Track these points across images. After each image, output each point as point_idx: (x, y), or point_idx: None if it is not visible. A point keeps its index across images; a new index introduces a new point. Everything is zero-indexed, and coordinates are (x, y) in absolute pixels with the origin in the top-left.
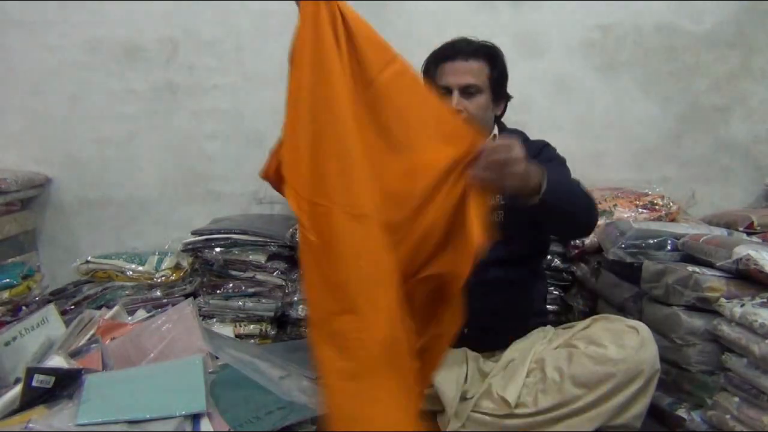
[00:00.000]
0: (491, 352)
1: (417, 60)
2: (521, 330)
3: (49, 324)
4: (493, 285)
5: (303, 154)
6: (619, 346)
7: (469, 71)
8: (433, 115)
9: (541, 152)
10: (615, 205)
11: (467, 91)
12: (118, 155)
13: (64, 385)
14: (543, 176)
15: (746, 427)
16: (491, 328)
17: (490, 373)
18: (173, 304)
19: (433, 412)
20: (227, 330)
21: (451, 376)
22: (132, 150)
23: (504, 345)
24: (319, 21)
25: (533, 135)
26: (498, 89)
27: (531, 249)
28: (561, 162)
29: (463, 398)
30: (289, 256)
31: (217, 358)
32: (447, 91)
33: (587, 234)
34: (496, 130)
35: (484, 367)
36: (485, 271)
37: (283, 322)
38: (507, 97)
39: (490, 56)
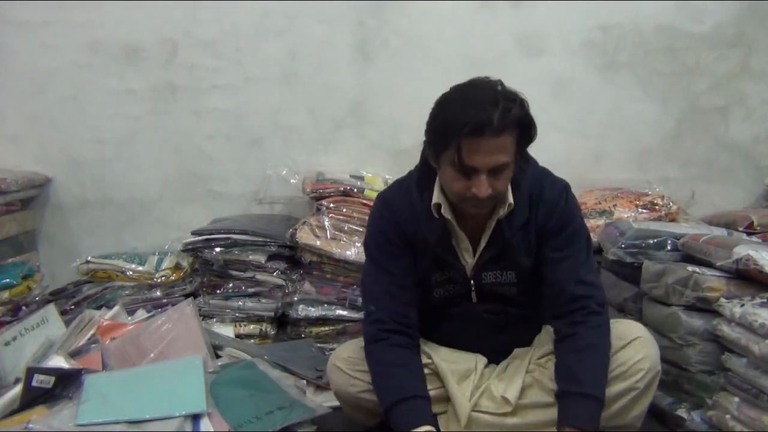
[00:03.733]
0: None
1: (417, 60)
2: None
3: (49, 324)
4: (510, 323)
5: None
6: (619, 348)
7: (501, 149)
8: None
9: (564, 226)
10: (615, 205)
11: (496, 170)
12: (118, 155)
13: (64, 385)
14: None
15: (746, 427)
16: (506, 352)
17: (489, 374)
18: (173, 304)
19: (434, 413)
20: (227, 330)
21: (466, 390)
22: (132, 150)
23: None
24: None
25: None
26: (525, 149)
27: None
28: (583, 238)
29: None
30: (289, 256)
31: (217, 357)
32: (471, 170)
33: None
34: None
35: (485, 371)
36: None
37: (283, 322)
38: None
39: (521, 121)
